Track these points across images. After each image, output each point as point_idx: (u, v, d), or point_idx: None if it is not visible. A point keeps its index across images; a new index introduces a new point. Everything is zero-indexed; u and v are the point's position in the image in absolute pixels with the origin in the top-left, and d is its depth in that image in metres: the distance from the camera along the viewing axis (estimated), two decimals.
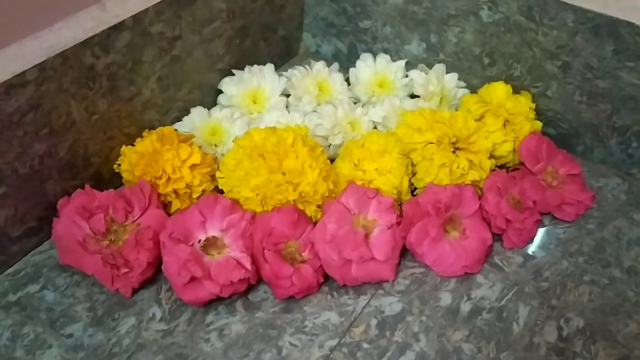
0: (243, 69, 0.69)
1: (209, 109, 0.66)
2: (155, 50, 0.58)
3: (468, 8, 0.65)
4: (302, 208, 0.54)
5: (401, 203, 0.58)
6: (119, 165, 0.57)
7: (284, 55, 0.81)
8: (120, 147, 0.58)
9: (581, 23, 0.59)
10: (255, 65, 0.69)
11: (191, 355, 0.48)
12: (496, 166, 0.63)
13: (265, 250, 0.51)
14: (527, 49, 0.64)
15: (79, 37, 0.50)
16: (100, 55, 0.52)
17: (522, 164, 0.63)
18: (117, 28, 0.53)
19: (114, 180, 0.59)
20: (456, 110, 0.69)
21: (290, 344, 0.49)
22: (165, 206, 0.56)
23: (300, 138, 0.56)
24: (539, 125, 0.66)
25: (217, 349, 0.48)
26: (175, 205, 0.55)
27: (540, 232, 0.60)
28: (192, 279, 0.49)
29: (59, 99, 0.50)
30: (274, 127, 0.57)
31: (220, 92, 0.69)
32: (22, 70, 0.46)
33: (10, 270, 0.53)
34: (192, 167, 0.55)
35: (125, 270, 0.50)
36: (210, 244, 0.52)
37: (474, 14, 0.65)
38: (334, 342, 0.49)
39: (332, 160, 0.60)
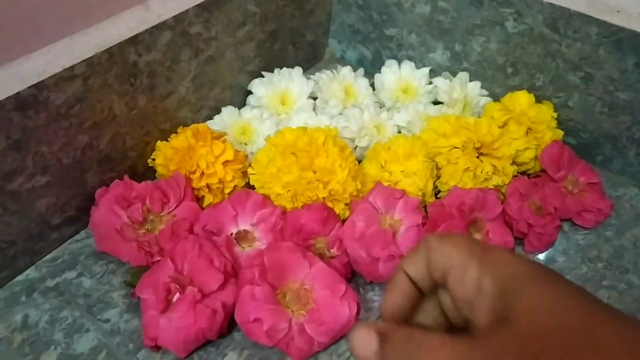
0: (272, 72, 0.71)
1: (239, 109, 0.68)
2: (192, 50, 0.60)
3: (493, 18, 0.67)
4: (331, 206, 0.56)
5: (425, 205, 0.60)
6: (154, 159, 0.59)
7: (309, 60, 0.83)
8: (155, 142, 0.60)
9: (604, 36, 0.61)
10: (284, 68, 0.72)
11: (223, 344, 0.49)
12: (518, 172, 0.64)
13: None
14: (551, 60, 0.66)
15: (124, 35, 0.52)
16: (142, 53, 0.54)
17: (543, 171, 0.65)
18: (159, 27, 0.55)
19: (148, 175, 0.61)
20: (478, 117, 0.70)
21: None
22: (198, 200, 0.58)
23: (331, 138, 0.57)
24: (560, 134, 0.67)
25: (246, 337, 0.50)
26: (208, 199, 0.57)
27: (561, 237, 0.62)
28: None
29: (103, 93, 0.52)
30: (305, 127, 0.59)
31: (250, 92, 0.71)
32: (72, 64, 0.48)
33: (48, 256, 0.55)
34: (225, 163, 0.57)
35: (159, 257, 0.52)
36: (241, 237, 0.54)
37: (499, 25, 0.67)
38: None
39: (358, 162, 0.62)
